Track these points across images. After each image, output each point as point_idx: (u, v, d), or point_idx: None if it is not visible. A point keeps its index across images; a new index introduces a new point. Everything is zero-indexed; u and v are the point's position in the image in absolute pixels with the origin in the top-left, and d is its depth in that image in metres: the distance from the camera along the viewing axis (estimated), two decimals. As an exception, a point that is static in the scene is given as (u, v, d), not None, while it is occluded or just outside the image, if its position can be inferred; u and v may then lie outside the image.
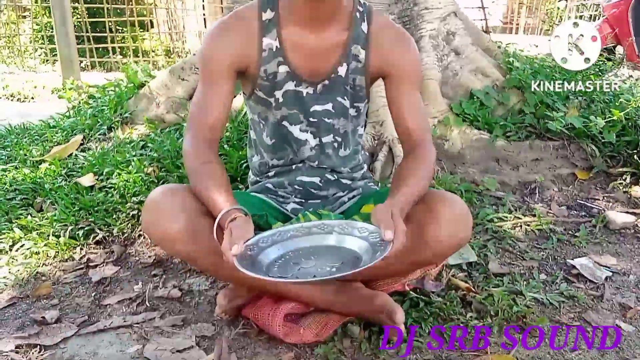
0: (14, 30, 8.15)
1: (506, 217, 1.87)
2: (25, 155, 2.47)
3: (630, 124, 2.17)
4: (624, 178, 2.10)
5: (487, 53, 2.75)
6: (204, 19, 9.14)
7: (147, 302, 1.45)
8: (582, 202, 2.01)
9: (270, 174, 1.45)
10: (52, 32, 7.96)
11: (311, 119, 1.35)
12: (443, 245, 1.22)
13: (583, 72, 2.58)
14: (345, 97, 1.34)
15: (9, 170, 2.31)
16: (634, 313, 1.36)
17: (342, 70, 1.31)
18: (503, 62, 2.57)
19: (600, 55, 4.40)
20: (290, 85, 1.31)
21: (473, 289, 1.43)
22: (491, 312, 1.33)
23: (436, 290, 1.41)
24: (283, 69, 1.29)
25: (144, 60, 8.45)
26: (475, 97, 2.34)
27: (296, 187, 1.42)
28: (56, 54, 7.65)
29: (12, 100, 5.10)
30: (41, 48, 8.15)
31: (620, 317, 1.35)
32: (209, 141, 1.28)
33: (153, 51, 9.04)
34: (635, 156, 2.09)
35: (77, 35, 7.26)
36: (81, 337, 1.30)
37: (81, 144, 2.53)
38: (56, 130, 2.72)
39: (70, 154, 2.44)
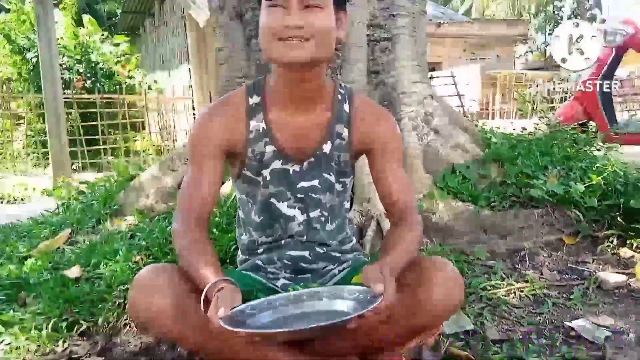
0: (8, 137, 8.38)
1: (499, 285, 1.85)
2: (12, 251, 2.45)
3: (609, 188, 2.22)
4: (611, 240, 2.12)
5: (466, 132, 2.87)
6: (194, 119, 9.49)
7: (132, 392, 1.38)
8: (573, 265, 2.01)
9: (259, 250, 1.45)
10: (45, 137, 8.21)
11: (298, 195, 1.37)
12: (437, 309, 1.19)
13: (559, 144, 2.69)
14: (331, 173, 1.38)
15: (-6, 267, 2.28)
16: (639, 372, 1.32)
17: (326, 148, 1.35)
18: (481, 138, 2.67)
19: (574, 129, 4.60)
20: (277, 164, 1.35)
21: (472, 357, 1.39)
22: (492, 379, 1.28)
23: (434, 358, 1.36)
24: (270, 148, 1.33)
25: (135, 158, 8.67)
26: (457, 172, 2.41)
27: (286, 261, 1.41)
28: (48, 158, 7.84)
29: (2, 202, 5.11)
30: (34, 152, 8.33)
31: (625, 377, 1.31)
32: (198, 220, 1.29)
33: (144, 151, 9.28)
34: (619, 218, 2.12)
35: (70, 139, 7.47)
36: None
37: (69, 238, 2.52)
38: (44, 226, 2.72)
39: (57, 248, 2.43)
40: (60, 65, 7.95)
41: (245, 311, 1.08)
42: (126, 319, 1.76)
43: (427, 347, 1.40)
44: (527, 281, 1.87)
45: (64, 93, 8.17)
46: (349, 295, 1.11)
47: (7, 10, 9.39)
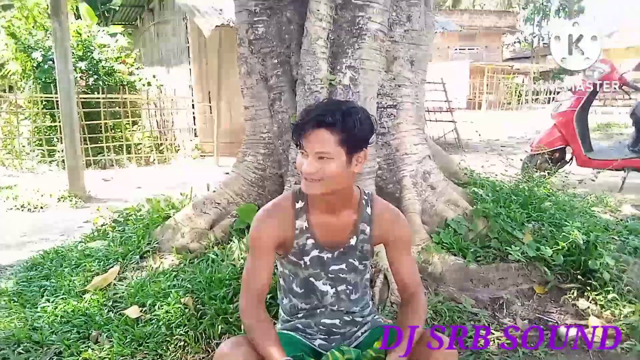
0: (13, 132, 8.63)
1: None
2: (69, 285, 2.86)
3: (573, 245, 2.70)
4: (571, 292, 2.61)
5: (455, 177, 3.34)
6: (194, 117, 9.79)
7: None
8: (539, 315, 2.50)
9: (299, 315, 1.90)
10: (48, 134, 8.50)
11: (330, 275, 1.82)
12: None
13: (533, 197, 3.16)
14: (355, 259, 1.83)
15: (58, 302, 2.69)
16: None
17: (353, 241, 1.80)
18: (470, 191, 3.14)
19: (550, 156, 5.07)
20: (315, 252, 1.80)
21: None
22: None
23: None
24: (310, 241, 1.78)
25: (137, 156, 8.97)
26: (449, 226, 2.87)
27: (321, 327, 1.86)
28: (53, 154, 8.14)
29: (22, 210, 5.46)
30: (39, 148, 8.60)
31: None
32: (258, 298, 1.74)
33: (140, 143, 9.59)
34: (579, 275, 2.61)
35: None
36: None
37: (118, 273, 2.94)
38: (92, 260, 3.12)
39: (109, 283, 2.85)
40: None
41: None
42: (186, 359, 2.21)
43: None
44: (503, 330, 2.36)
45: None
46: None
47: (9, 6, 9.51)
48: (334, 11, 2.91)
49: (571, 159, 5.74)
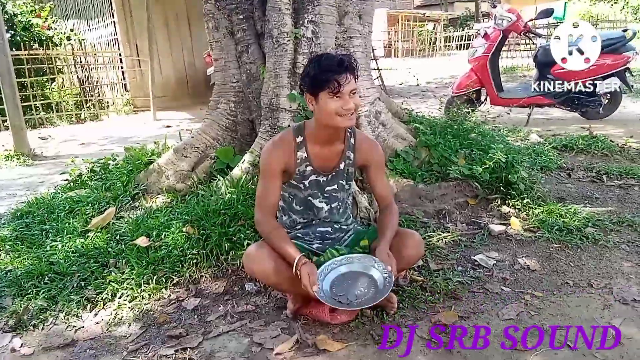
0: None
1: (432, 235, 2.97)
2: (69, 227, 3.15)
3: (497, 165, 3.39)
4: (496, 201, 3.31)
5: (397, 116, 3.91)
6: (122, 72, 9.63)
7: (235, 315, 2.32)
8: (474, 219, 3.18)
9: (298, 227, 2.41)
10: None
11: (325, 194, 2.33)
12: (411, 259, 2.27)
13: (462, 129, 3.81)
14: (343, 180, 2.35)
15: (65, 241, 3.00)
16: (510, 281, 2.50)
17: (342, 166, 2.32)
18: (412, 127, 3.73)
19: (468, 97, 5.81)
20: (312, 177, 2.29)
21: (425, 280, 2.49)
22: (437, 290, 2.39)
23: (405, 283, 2.45)
24: (309, 168, 2.27)
25: (67, 114, 8.82)
26: (400, 156, 3.46)
27: (317, 234, 2.39)
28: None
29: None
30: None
31: (503, 284, 2.48)
32: (270, 212, 2.23)
33: (64, 101, 9.38)
34: (501, 187, 3.31)
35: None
36: (209, 340, 2.15)
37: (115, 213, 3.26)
38: (84, 204, 3.40)
39: (108, 223, 3.17)
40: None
41: (319, 277, 2.06)
42: (201, 273, 2.65)
43: (401, 277, 2.48)
44: (448, 232, 3.01)
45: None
46: (369, 261, 2.12)
47: None
48: (294, -29, 3.28)
49: (486, 98, 6.54)
